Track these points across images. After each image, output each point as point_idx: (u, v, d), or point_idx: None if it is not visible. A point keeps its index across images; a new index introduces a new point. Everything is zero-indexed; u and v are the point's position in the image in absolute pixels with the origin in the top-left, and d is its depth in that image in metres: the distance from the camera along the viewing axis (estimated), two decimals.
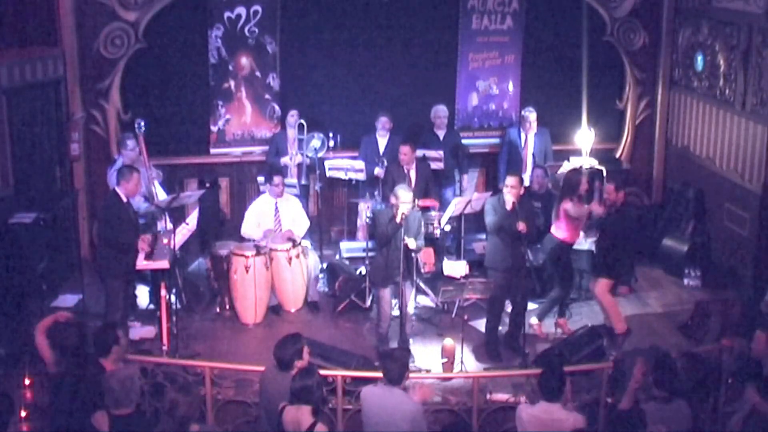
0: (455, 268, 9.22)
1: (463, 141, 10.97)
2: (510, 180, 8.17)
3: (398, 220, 7.74)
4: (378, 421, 5.78)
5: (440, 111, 10.69)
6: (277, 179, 9.25)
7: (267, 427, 5.89)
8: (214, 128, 10.89)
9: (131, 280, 8.51)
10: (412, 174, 9.77)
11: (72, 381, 5.63)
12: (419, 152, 10.12)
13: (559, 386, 5.72)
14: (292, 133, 10.30)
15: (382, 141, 10.35)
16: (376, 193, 9.83)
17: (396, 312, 8.27)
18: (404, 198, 7.78)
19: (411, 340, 8.29)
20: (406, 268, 7.93)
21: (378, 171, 9.98)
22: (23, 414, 6.63)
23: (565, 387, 5.83)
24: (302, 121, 10.15)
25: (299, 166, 10.25)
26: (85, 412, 5.45)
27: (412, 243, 7.87)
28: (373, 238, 9.30)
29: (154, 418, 5.48)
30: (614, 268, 8.53)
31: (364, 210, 10.25)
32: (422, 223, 8.31)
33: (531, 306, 8.85)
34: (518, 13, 11.19)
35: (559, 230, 8.62)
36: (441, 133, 10.64)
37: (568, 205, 8.47)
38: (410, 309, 8.30)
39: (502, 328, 8.57)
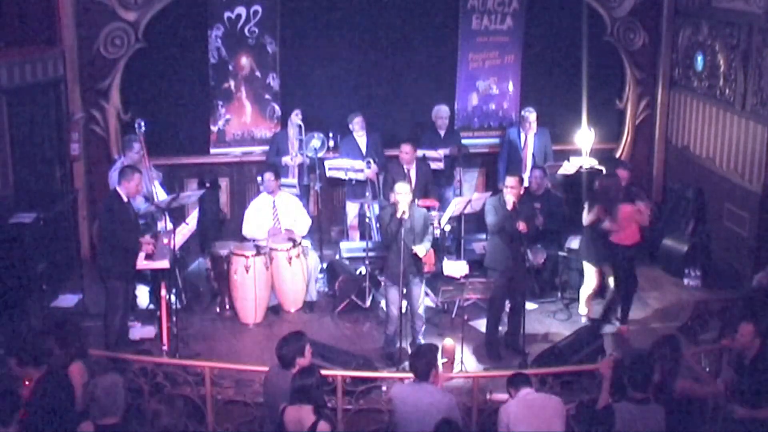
0: (455, 268, 9.21)
1: (463, 141, 10.95)
2: (509, 180, 8.17)
3: (399, 215, 7.75)
4: (412, 418, 5.79)
5: (442, 111, 10.69)
6: (267, 175, 9.25)
7: (270, 427, 5.90)
8: (214, 128, 10.89)
9: (131, 280, 8.51)
10: (412, 174, 9.78)
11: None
12: (419, 152, 10.13)
13: (522, 374, 6.05)
14: (293, 132, 10.30)
15: (362, 140, 10.32)
16: (367, 193, 9.82)
17: (403, 311, 8.25)
18: (399, 189, 7.81)
19: (421, 339, 8.28)
20: (413, 266, 7.94)
21: (368, 172, 9.96)
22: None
23: (526, 373, 6.15)
24: (300, 122, 10.14)
25: (300, 166, 10.24)
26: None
27: (421, 251, 7.88)
28: (370, 237, 9.33)
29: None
30: None
31: (353, 210, 10.30)
32: (429, 223, 8.30)
33: (530, 306, 8.85)
34: (518, 13, 11.18)
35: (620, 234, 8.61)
36: (442, 134, 10.64)
37: (629, 209, 8.49)
38: (420, 309, 8.28)
39: (502, 328, 8.57)
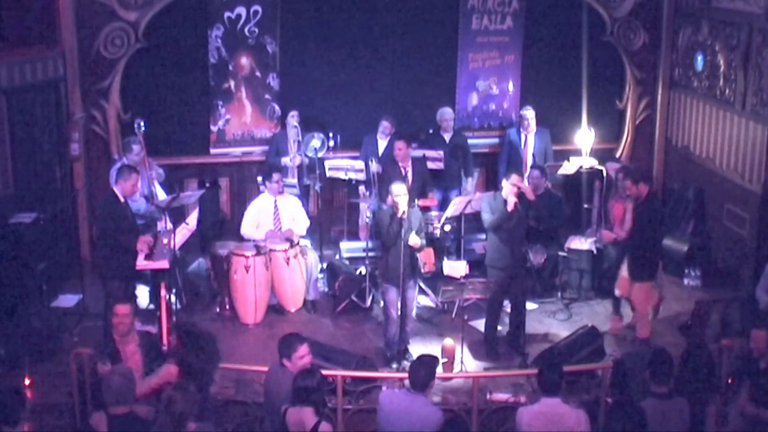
0: (455, 268, 9.21)
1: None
2: (514, 178, 8.12)
3: (399, 214, 7.73)
4: (398, 427, 5.65)
5: (446, 113, 10.68)
6: (275, 176, 9.26)
7: (269, 426, 5.90)
8: (214, 128, 10.89)
9: (130, 280, 8.50)
10: (409, 172, 9.78)
11: None
12: (419, 152, 10.13)
13: (558, 380, 5.70)
14: (292, 133, 10.31)
15: (382, 143, 10.35)
16: (368, 193, 9.81)
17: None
18: (397, 191, 7.79)
19: (410, 341, 8.29)
20: (411, 268, 7.93)
21: (376, 167, 9.97)
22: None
23: (563, 382, 5.80)
24: (296, 124, 10.14)
25: (299, 166, 10.25)
26: None
27: (414, 239, 7.85)
28: (373, 237, 9.32)
29: (151, 416, 5.49)
30: (652, 267, 8.46)
31: (366, 209, 10.28)
32: (423, 222, 8.30)
33: (530, 306, 8.85)
34: (518, 13, 11.18)
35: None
36: (447, 136, 10.64)
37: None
38: (413, 312, 8.27)
39: (502, 328, 8.57)
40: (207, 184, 10.55)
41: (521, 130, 10.68)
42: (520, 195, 8.11)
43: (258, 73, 10.85)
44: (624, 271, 8.53)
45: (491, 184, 11.13)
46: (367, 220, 9.58)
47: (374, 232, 8.94)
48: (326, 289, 9.66)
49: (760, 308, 8.02)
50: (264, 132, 10.99)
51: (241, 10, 10.58)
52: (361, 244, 9.80)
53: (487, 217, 8.18)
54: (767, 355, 6.32)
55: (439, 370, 7.82)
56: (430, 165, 10.19)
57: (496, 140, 11.39)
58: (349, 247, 10.09)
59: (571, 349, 7.87)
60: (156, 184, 9.21)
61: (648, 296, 8.48)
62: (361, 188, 10.18)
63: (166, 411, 5.14)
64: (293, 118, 10.21)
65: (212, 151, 10.93)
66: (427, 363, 5.87)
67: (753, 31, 9.50)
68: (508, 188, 8.04)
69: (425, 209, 9.32)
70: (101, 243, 8.20)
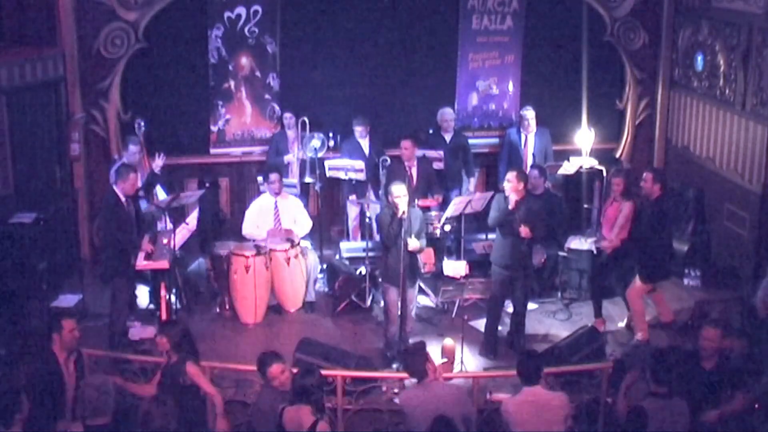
0: (455, 268, 9.21)
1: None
2: (508, 174, 8.14)
3: (399, 215, 7.73)
4: (430, 416, 5.66)
5: (447, 114, 10.67)
6: (273, 176, 9.27)
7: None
8: (214, 128, 10.89)
9: (134, 279, 8.52)
10: (414, 171, 9.78)
11: None
12: (419, 152, 10.13)
13: (537, 369, 5.87)
14: (291, 133, 10.31)
15: (364, 142, 10.34)
16: (368, 194, 9.82)
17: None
18: (397, 192, 7.78)
19: (410, 341, 8.28)
20: (411, 268, 7.93)
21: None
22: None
23: (542, 370, 5.97)
24: (305, 119, 10.12)
25: (301, 164, 10.25)
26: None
27: (413, 243, 7.85)
28: (371, 237, 9.33)
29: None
30: (653, 270, 8.48)
31: (354, 211, 10.34)
32: (424, 223, 8.29)
33: (530, 306, 8.85)
34: (518, 13, 11.18)
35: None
36: (448, 136, 10.63)
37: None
38: (412, 312, 8.26)
39: (502, 328, 8.57)
40: (207, 184, 10.56)
41: (521, 130, 10.68)
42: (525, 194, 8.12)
43: (258, 73, 10.85)
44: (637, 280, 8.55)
45: (491, 184, 11.12)
46: (368, 220, 9.59)
47: (376, 230, 8.93)
48: (326, 290, 9.67)
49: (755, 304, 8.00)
50: (264, 132, 10.99)
51: (241, 10, 10.58)
52: (361, 244, 9.79)
53: (492, 214, 8.21)
54: (715, 356, 6.30)
55: (435, 363, 7.87)
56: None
57: (496, 140, 11.39)
58: (349, 247, 10.09)
59: (571, 349, 7.86)
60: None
61: (637, 294, 8.56)
62: (352, 197, 10.17)
63: (144, 427, 5.08)
64: (286, 120, 10.23)
65: (212, 151, 10.94)
66: (414, 350, 6.04)
67: (753, 31, 9.50)
68: (508, 187, 8.06)
69: (425, 209, 9.32)
70: (105, 242, 8.21)
